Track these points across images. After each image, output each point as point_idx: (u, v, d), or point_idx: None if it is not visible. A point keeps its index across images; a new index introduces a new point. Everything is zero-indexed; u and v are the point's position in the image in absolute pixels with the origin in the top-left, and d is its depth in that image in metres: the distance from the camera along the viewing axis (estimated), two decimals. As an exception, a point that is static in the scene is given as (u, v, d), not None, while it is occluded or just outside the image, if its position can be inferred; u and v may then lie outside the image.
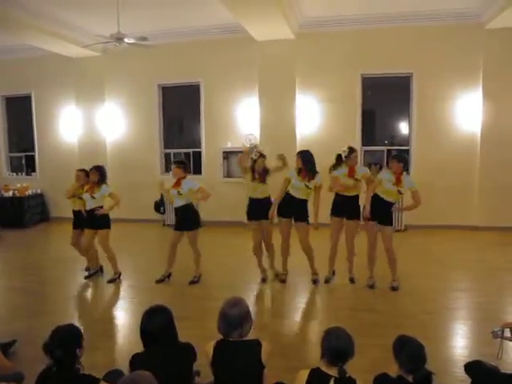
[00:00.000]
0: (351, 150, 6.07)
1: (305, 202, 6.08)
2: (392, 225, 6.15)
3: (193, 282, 6.33)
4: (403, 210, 5.87)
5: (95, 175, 6.40)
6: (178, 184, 6.19)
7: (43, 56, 11.46)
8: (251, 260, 6.51)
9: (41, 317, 5.13)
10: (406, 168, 6.02)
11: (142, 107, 11.59)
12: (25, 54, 11.76)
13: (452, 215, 9.90)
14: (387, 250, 5.95)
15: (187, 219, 6.25)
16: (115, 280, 6.58)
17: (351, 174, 6.02)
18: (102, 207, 6.44)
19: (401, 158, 5.88)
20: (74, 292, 6.44)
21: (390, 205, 5.94)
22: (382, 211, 5.91)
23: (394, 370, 2.61)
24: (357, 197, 6.17)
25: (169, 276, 6.46)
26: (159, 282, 6.37)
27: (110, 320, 5.35)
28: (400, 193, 5.91)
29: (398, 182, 5.81)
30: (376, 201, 5.90)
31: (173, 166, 6.41)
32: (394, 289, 5.93)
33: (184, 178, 6.21)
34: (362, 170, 6.24)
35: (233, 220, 8.49)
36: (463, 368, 3.10)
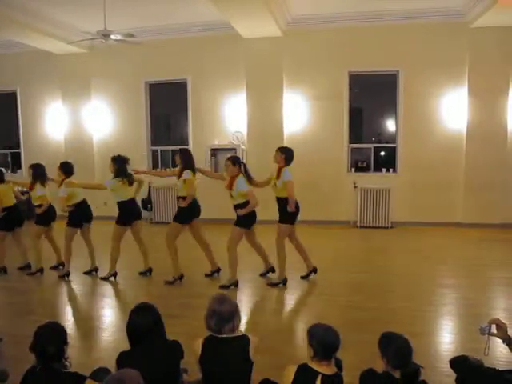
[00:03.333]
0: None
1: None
2: (282, 221, 6.04)
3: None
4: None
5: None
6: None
7: (29, 52, 11.34)
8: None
9: (25, 316, 5.09)
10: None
11: (129, 104, 11.51)
12: (10, 50, 11.60)
13: (438, 212, 9.99)
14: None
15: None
16: (91, 272, 6.83)
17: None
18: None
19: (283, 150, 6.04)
20: (58, 291, 6.40)
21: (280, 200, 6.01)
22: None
23: (380, 366, 2.63)
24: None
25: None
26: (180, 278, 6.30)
27: (96, 318, 5.31)
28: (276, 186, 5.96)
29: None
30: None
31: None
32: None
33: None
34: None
35: (220, 218, 8.48)
36: (449, 363, 3.14)
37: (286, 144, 10.17)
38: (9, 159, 12.88)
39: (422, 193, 9.94)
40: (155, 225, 10.77)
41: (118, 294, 6.18)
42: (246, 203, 5.78)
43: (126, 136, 11.47)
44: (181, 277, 6.25)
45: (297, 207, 5.96)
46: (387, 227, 10.00)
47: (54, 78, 11.66)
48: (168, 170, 10.83)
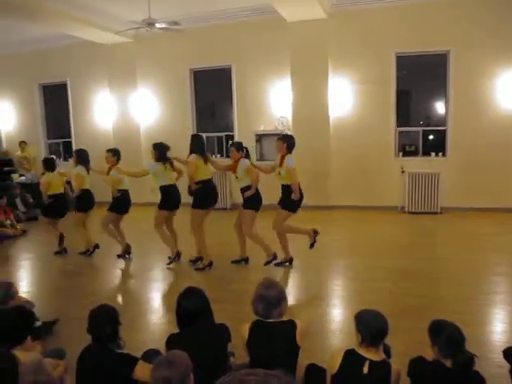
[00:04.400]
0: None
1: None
2: (284, 207, 6.09)
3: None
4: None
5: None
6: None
7: (77, 44, 11.64)
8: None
9: (80, 298, 5.29)
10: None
11: (174, 92, 11.65)
12: (60, 42, 11.96)
13: (490, 197, 9.57)
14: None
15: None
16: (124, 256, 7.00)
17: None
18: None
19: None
20: (111, 275, 6.64)
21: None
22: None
23: (430, 354, 2.58)
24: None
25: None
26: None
27: (146, 301, 5.49)
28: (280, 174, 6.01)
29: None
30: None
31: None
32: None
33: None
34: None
35: (267, 204, 8.47)
36: (502, 354, 3.04)
37: (332, 128, 10.09)
38: (60, 148, 13.36)
39: (473, 177, 9.56)
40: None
41: (163, 279, 6.32)
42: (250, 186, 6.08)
43: (172, 123, 11.64)
44: (210, 264, 6.36)
45: (301, 195, 5.99)
46: (436, 213, 9.71)
47: (101, 68, 11.96)
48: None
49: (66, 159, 13.01)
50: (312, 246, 6.27)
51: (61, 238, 7.47)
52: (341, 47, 10.00)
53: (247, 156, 6.22)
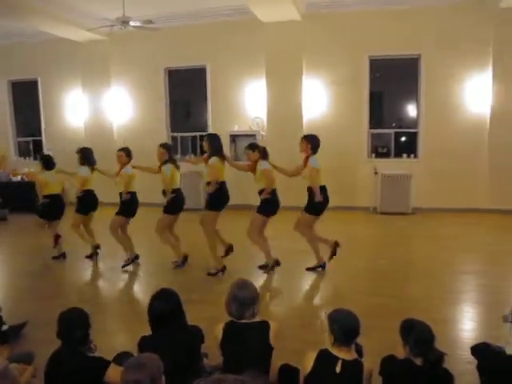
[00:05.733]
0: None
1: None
2: (307, 211, 5.86)
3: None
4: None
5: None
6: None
7: (49, 40, 11.44)
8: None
9: (50, 300, 5.19)
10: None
11: (148, 91, 11.55)
12: (31, 39, 11.74)
13: (459, 198, 9.81)
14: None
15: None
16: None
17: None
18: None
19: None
20: (82, 276, 6.52)
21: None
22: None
23: (401, 353, 2.62)
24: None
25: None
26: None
27: (119, 303, 5.41)
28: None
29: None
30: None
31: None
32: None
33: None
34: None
35: (241, 203, 8.45)
36: (470, 350, 3.11)
37: (305, 129, 10.14)
38: (30, 147, 13.07)
39: (443, 178, 9.77)
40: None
41: (140, 280, 6.25)
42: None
43: (146, 122, 11.54)
44: (223, 269, 6.12)
45: (326, 197, 5.78)
46: (408, 213, 9.89)
47: (74, 66, 11.76)
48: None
49: (35, 158, 12.73)
50: (331, 257, 6.03)
51: (56, 239, 6.98)
52: (315, 49, 10.09)
53: (265, 155, 5.91)
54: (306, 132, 10.11)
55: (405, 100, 10.82)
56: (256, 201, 6.05)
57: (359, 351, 2.77)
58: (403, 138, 10.78)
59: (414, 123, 10.36)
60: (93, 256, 6.87)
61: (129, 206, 6.45)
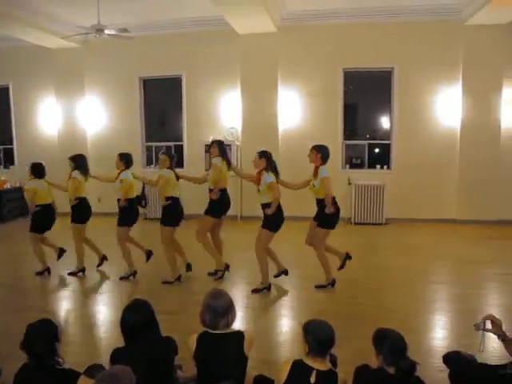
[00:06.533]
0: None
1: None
2: (321, 225, 5.76)
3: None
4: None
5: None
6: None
7: (22, 47, 11.23)
8: (230, 255, 6.48)
9: (19, 312, 5.06)
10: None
11: (123, 100, 11.45)
12: (2, 44, 11.48)
13: (432, 209, 10.03)
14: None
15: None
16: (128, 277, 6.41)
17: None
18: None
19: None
20: (53, 287, 6.37)
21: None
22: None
23: (374, 362, 2.64)
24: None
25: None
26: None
27: (91, 315, 5.30)
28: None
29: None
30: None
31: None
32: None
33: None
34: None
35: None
36: (442, 359, 3.15)
37: (280, 140, 10.23)
38: (1, 155, 12.77)
39: (416, 189, 9.97)
40: (150, 221, 10.71)
41: (113, 291, 6.14)
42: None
43: (120, 131, 11.42)
44: (225, 270, 6.24)
45: (337, 208, 5.69)
46: (381, 224, 10.03)
47: (47, 73, 11.57)
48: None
49: (6, 167, 12.46)
50: (341, 267, 6.00)
51: (60, 254, 6.80)
52: (290, 60, 10.20)
53: (271, 163, 5.73)
54: (282, 143, 10.25)
55: (378, 112, 11.01)
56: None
57: (333, 362, 2.78)
58: (377, 150, 10.95)
59: (388, 135, 10.54)
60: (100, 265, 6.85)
61: (129, 214, 6.35)
